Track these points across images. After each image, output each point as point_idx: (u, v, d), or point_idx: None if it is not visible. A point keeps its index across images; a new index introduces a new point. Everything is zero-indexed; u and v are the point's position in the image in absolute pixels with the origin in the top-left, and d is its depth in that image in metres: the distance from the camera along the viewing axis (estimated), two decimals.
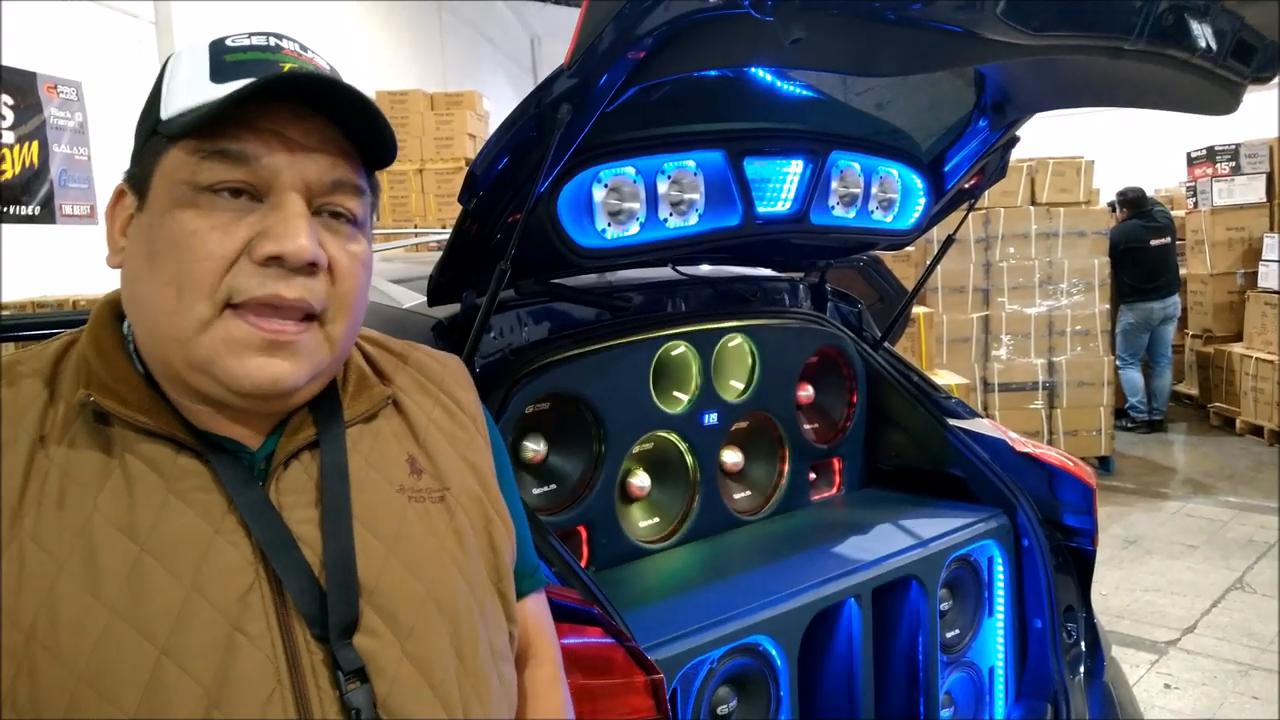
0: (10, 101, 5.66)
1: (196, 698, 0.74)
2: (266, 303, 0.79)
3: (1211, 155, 8.11)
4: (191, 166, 0.79)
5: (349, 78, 0.84)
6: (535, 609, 1.07)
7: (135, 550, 0.76)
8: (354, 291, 0.85)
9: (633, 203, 1.73)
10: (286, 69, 0.82)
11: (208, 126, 0.78)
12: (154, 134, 0.82)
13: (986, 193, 2.43)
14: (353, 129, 0.84)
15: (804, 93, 1.84)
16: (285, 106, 0.81)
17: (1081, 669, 2.11)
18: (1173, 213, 7.91)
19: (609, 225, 1.71)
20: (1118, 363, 7.48)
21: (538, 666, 1.05)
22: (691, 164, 1.79)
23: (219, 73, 0.81)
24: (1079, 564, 2.13)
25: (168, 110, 0.81)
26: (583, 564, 1.84)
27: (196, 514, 0.79)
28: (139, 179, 0.83)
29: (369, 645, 0.81)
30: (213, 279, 0.78)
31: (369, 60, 9.25)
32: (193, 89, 0.81)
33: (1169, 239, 7.44)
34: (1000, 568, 2.13)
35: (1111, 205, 7.89)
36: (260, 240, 0.79)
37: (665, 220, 1.78)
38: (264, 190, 0.80)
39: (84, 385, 0.81)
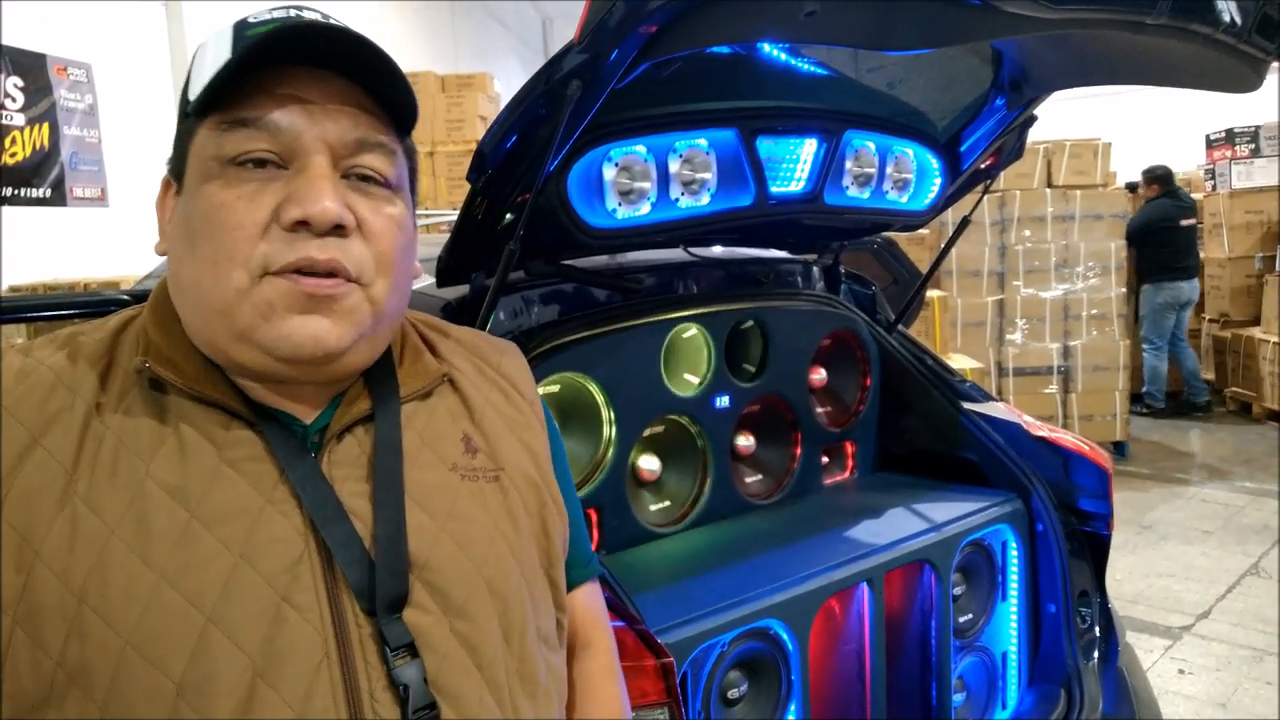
0: (20, 83, 5.66)
1: (243, 667, 0.74)
2: (299, 267, 0.79)
3: (1230, 137, 8.02)
4: (216, 141, 0.80)
5: None
6: (590, 599, 1.06)
7: (185, 517, 0.77)
8: (390, 251, 0.84)
9: (644, 182, 1.71)
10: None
11: (225, 98, 0.79)
12: (186, 117, 0.83)
13: (1002, 175, 2.40)
14: (375, 88, 0.84)
15: (818, 70, 1.81)
16: (304, 70, 0.81)
17: (1095, 654, 2.09)
18: (1191, 195, 7.84)
19: (620, 205, 1.69)
20: (1145, 347, 7.38)
21: (592, 657, 1.04)
22: (704, 143, 1.76)
23: (239, 47, 0.81)
24: (1094, 549, 2.11)
25: (193, 91, 0.82)
26: (593, 547, 1.83)
27: (248, 483, 0.79)
28: (177, 164, 0.84)
29: (418, 620, 0.81)
30: (245, 248, 0.78)
31: (379, 41, 9.16)
32: (216, 67, 0.81)
33: (1195, 220, 7.37)
34: (1014, 552, 2.11)
35: (1130, 186, 7.81)
36: (286, 205, 0.79)
37: (677, 200, 1.76)
38: (288, 156, 0.80)
39: (141, 354, 0.82)
